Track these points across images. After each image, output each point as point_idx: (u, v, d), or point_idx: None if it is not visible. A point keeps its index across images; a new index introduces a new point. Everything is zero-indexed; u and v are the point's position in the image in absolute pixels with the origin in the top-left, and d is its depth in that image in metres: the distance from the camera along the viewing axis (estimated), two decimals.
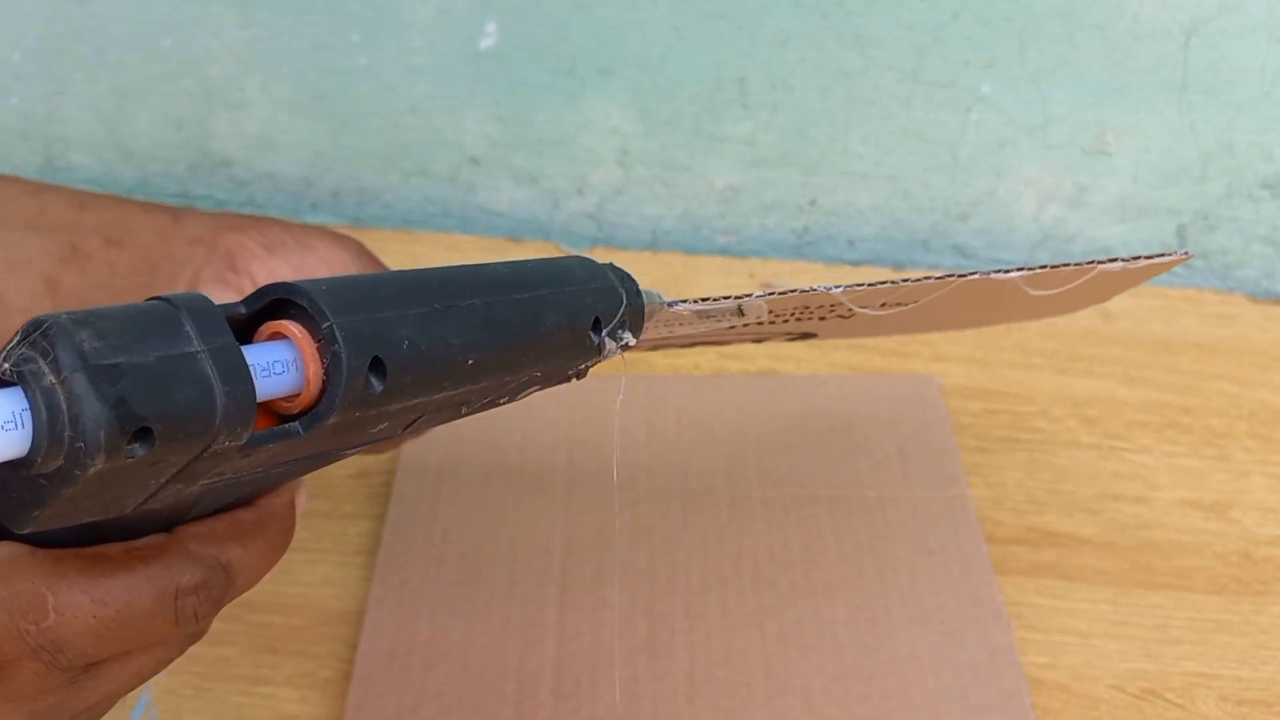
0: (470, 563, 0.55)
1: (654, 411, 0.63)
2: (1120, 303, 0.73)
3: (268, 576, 0.57)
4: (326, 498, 0.60)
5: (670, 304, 0.41)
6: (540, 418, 0.63)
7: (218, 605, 0.31)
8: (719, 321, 0.44)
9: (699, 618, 0.53)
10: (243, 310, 0.28)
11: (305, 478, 0.35)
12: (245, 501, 0.32)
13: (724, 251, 0.79)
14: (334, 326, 0.27)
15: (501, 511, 0.58)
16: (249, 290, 0.42)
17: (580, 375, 0.39)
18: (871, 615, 0.53)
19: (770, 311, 0.44)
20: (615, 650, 0.52)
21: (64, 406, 0.24)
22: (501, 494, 0.59)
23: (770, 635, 0.53)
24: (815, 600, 0.54)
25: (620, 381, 0.62)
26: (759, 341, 0.54)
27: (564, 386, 0.65)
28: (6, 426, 0.24)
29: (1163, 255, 0.44)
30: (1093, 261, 0.43)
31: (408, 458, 0.60)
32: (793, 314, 0.45)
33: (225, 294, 0.45)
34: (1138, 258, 0.43)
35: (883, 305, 0.45)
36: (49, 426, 0.24)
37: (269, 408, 0.28)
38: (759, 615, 0.53)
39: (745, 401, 0.64)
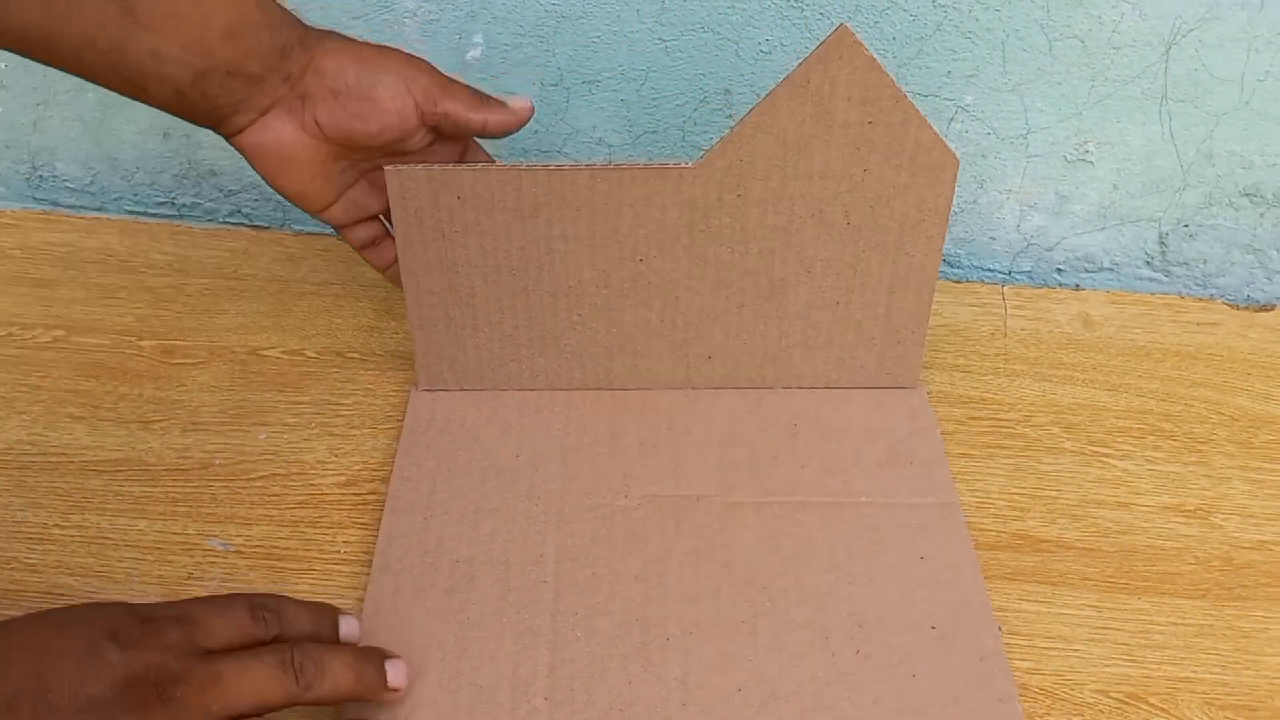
0: (464, 569, 0.56)
1: (645, 420, 0.64)
2: (1102, 310, 0.74)
3: (256, 586, 0.57)
4: (314, 506, 0.60)
5: None
6: (534, 426, 0.63)
7: None
8: None
9: (692, 624, 0.54)
10: None
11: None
12: None
13: None
14: None
15: (495, 519, 0.58)
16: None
17: None
18: (863, 621, 0.54)
19: None
20: (609, 656, 0.52)
21: None
22: (495, 501, 0.59)
23: (763, 642, 0.53)
24: (807, 607, 0.54)
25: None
26: None
27: (556, 398, 0.65)
28: None
29: None
30: None
31: (402, 465, 0.61)
32: None
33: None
34: None
35: None
36: None
37: None
38: (752, 622, 0.54)
39: (736, 410, 0.64)
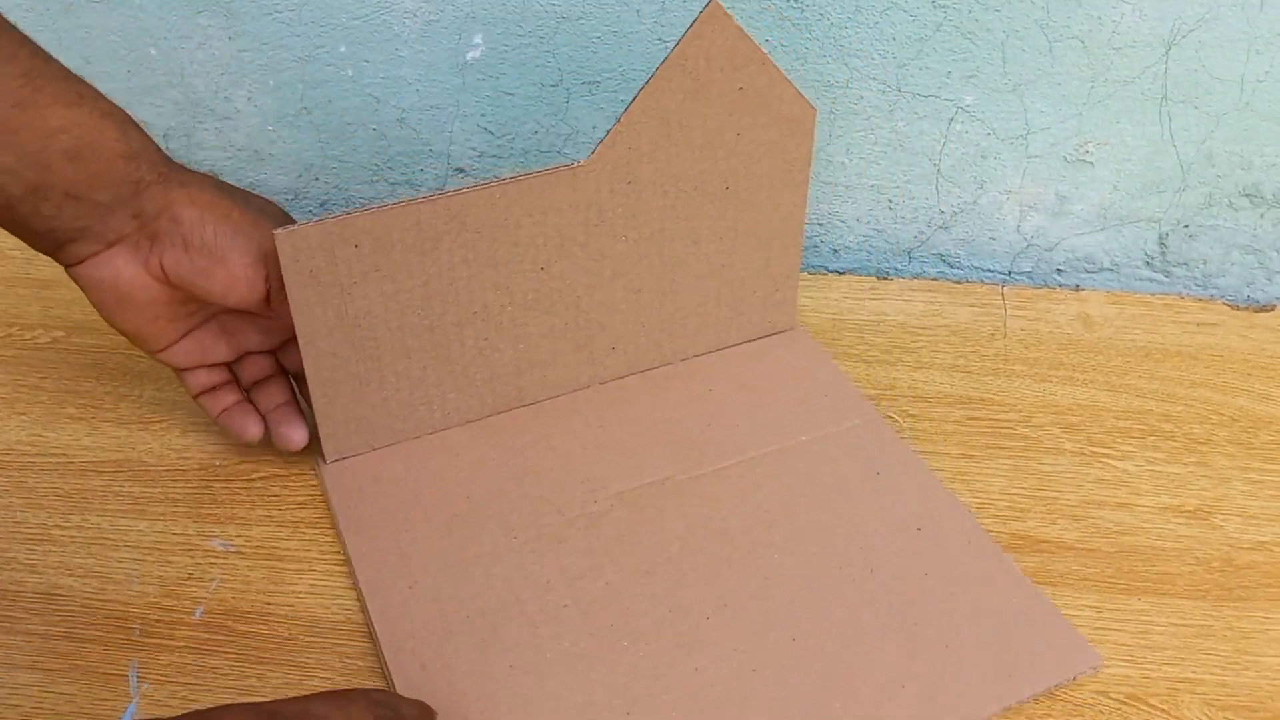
0: (480, 621, 0.53)
1: (573, 425, 0.63)
2: (1102, 311, 0.74)
3: (257, 587, 0.58)
4: (314, 508, 0.60)
5: None
6: (469, 463, 0.61)
7: None
8: None
9: (721, 596, 0.54)
10: None
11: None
12: None
13: None
14: None
15: (483, 564, 0.56)
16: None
17: None
18: (862, 544, 0.57)
19: None
20: (666, 653, 0.52)
21: None
22: (473, 548, 0.56)
23: (790, 591, 0.55)
24: (811, 546, 0.57)
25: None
26: None
27: (475, 431, 0.62)
28: None
29: None
30: None
31: (356, 546, 0.56)
32: None
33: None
34: None
35: None
36: None
37: None
38: (772, 576, 0.55)
39: (652, 392, 0.65)
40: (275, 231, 0.52)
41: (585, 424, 0.63)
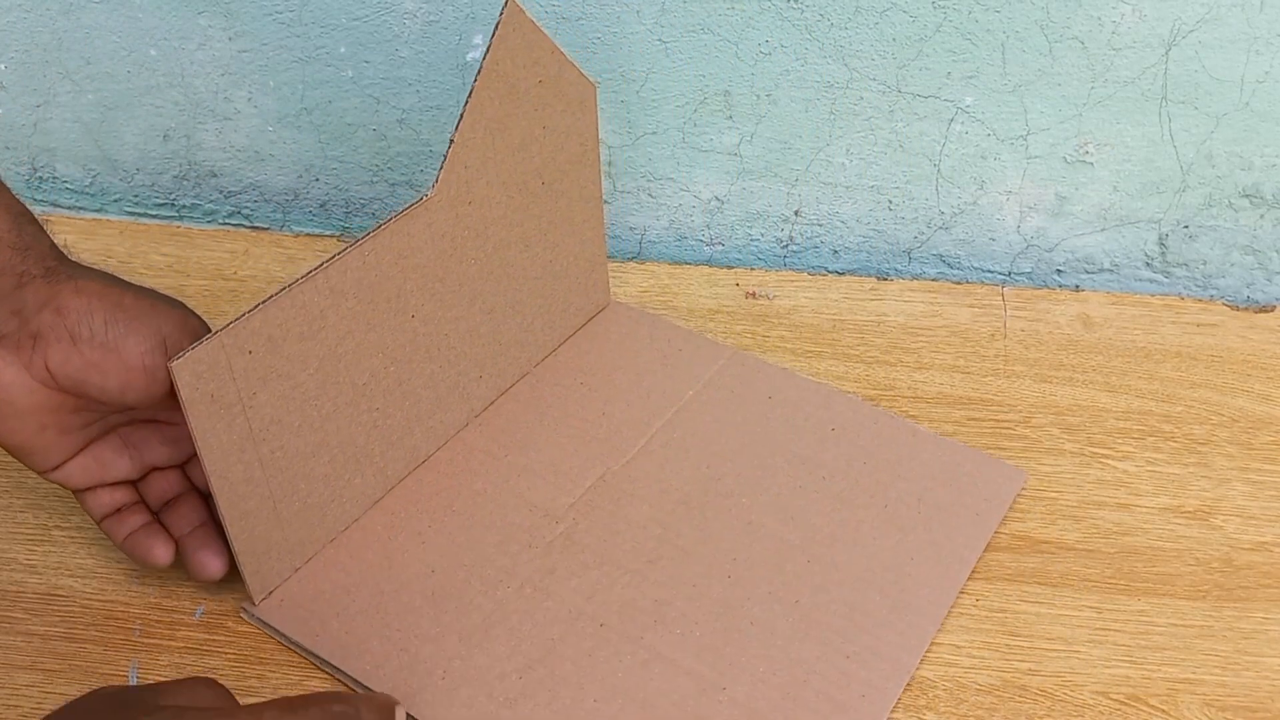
0: (532, 676, 0.52)
1: (484, 466, 0.61)
2: (1101, 311, 0.74)
3: None
4: None
5: None
6: (404, 542, 0.57)
7: None
8: None
9: (730, 554, 0.56)
10: None
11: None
12: None
13: (710, 262, 0.80)
14: None
15: (496, 622, 0.54)
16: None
17: None
18: (805, 458, 0.61)
19: None
20: (718, 624, 0.54)
21: None
22: (475, 615, 0.54)
23: (787, 525, 0.57)
24: (757, 479, 0.60)
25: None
26: None
27: (389, 509, 0.59)
28: None
29: None
30: None
31: (354, 665, 0.52)
32: None
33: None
34: None
35: None
36: None
37: None
38: (757, 521, 0.58)
39: (534, 406, 0.65)
40: (170, 365, 0.46)
41: (494, 460, 0.61)
